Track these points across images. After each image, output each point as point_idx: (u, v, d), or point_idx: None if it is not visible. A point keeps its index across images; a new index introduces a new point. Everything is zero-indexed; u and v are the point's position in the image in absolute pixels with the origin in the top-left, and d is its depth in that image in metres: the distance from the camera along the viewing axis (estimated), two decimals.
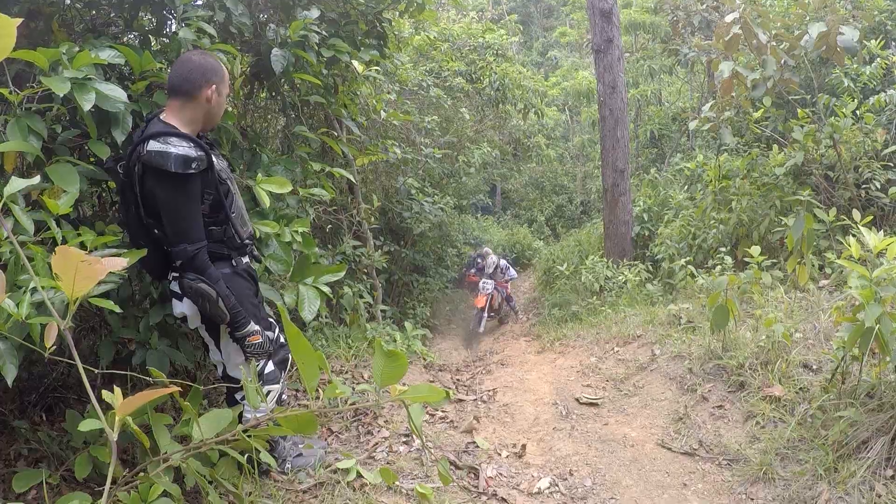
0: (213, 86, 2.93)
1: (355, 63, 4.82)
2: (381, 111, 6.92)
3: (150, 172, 2.74)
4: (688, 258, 8.22)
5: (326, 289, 3.85)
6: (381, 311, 9.14)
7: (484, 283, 12.07)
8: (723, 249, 7.22)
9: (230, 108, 4.70)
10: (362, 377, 5.38)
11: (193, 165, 2.73)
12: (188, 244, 2.82)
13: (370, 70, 5.21)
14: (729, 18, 7.24)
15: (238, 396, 3.24)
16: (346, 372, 5.42)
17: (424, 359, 7.94)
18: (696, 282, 7.39)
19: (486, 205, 20.65)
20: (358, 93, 6.42)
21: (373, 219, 8.37)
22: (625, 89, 10.76)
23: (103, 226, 3.14)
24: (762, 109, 8.69)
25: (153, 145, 2.70)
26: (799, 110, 8.31)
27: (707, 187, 9.20)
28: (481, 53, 14.73)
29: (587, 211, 27.76)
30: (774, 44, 7.53)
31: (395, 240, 11.99)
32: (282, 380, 3.54)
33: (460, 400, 5.33)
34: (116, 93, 2.83)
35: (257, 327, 3.07)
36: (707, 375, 4.81)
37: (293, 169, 4.33)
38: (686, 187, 11.14)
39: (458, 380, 6.67)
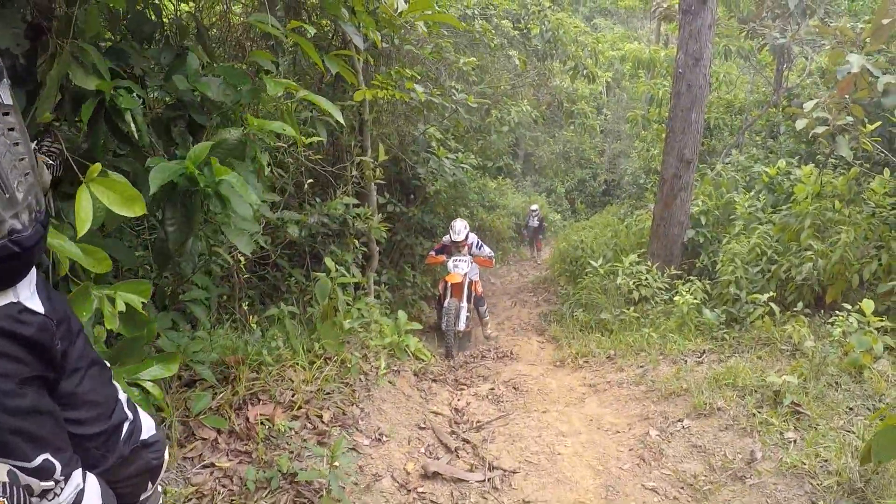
0: None
1: None
2: (419, 24, 4.94)
3: None
4: (769, 293, 6.41)
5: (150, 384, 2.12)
6: (376, 277, 7.45)
7: (455, 261, 8.71)
8: (847, 306, 5.39)
9: None
10: (321, 422, 3.63)
11: None
12: None
13: None
14: None
15: None
16: (299, 406, 3.67)
17: (418, 359, 6.25)
18: (786, 330, 5.63)
19: (507, 167, 18.69)
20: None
21: (378, 171, 6.55)
22: (710, 63, 8.82)
23: None
24: (878, 123, 6.87)
25: None
26: None
27: (798, 205, 7.34)
28: None
29: (609, 191, 26.07)
30: None
31: (403, 196, 10.20)
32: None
33: (459, 480, 3.59)
34: None
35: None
36: None
37: (238, 85, 2.48)
38: (756, 195, 9.25)
39: (458, 414, 4.95)
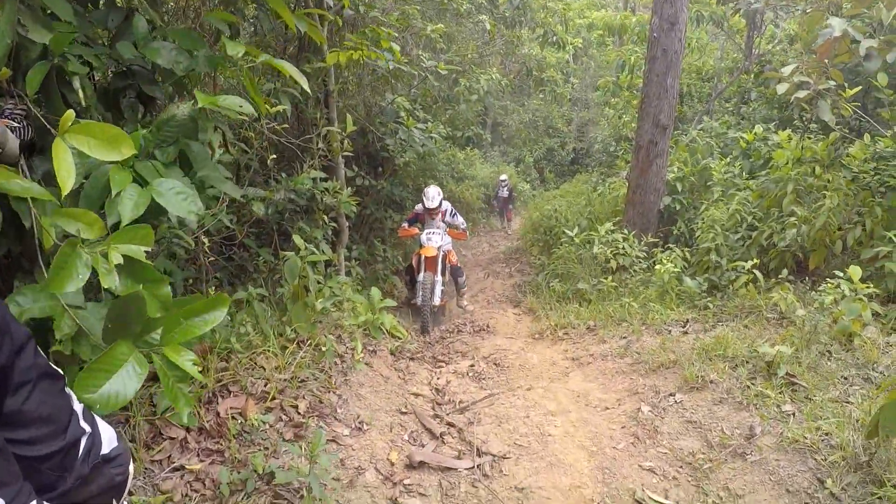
0: None
1: None
2: None
3: None
4: (752, 261, 6.26)
5: (189, 364, 1.78)
6: (346, 253, 7.17)
7: (428, 234, 8.43)
8: (839, 274, 5.21)
9: None
10: (297, 412, 3.40)
11: None
12: None
13: None
14: None
15: None
16: (272, 397, 3.43)
17: (394, 337, 6.03)
18: (772, 299, 5.49)
19: (475, 137, 18.36)
20: None
21: (346, 143, 6.25)
22: (685, 27, 8.60)
23: None
24: (858, 88, 6.77)
25: None
26: None
27: (778, 170, 7.21)
28: None
29: (578, 159, 25.87)
30: None
31: (371, 168, 9.89)
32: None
33: (447, 468, 3.39)
34: None
35: None
36: (852, 502, 2.93)
37: (193, 50, 2.21)
38: (733, 161, 9.11)
39: (439, 395, 4.74)
